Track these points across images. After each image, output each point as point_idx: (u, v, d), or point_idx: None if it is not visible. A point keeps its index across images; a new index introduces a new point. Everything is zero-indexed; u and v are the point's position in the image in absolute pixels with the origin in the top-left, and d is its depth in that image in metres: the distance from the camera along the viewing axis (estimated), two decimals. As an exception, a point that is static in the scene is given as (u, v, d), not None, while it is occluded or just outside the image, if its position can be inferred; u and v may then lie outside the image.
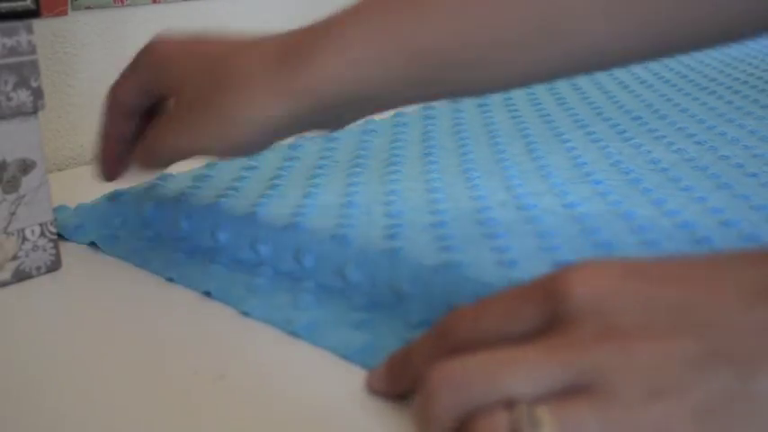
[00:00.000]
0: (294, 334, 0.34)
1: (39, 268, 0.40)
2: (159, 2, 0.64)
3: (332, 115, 0.38)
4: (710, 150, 0.56)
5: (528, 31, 0.35)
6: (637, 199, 0.46)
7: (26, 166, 0.39)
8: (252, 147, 0.39)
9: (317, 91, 0.36)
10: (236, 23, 0.71)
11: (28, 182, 0.39)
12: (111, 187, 0.50)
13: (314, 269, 0.39)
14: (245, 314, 0.36)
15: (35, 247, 0.40)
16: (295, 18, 0.74)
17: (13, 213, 0.39)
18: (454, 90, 0.38)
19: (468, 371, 0.25)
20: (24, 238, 0.40)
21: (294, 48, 0.36)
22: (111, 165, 0.44)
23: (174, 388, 0.31)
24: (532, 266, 0.37)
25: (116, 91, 0.42)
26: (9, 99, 0.37)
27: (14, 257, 0.39)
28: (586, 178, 0.50)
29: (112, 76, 0.63)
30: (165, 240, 0.44)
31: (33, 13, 0.38)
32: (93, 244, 0.44)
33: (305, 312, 0.36)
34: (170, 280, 0.40)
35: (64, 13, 0.59)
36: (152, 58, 0.41)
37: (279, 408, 0.30)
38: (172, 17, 0.66)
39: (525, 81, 0.38)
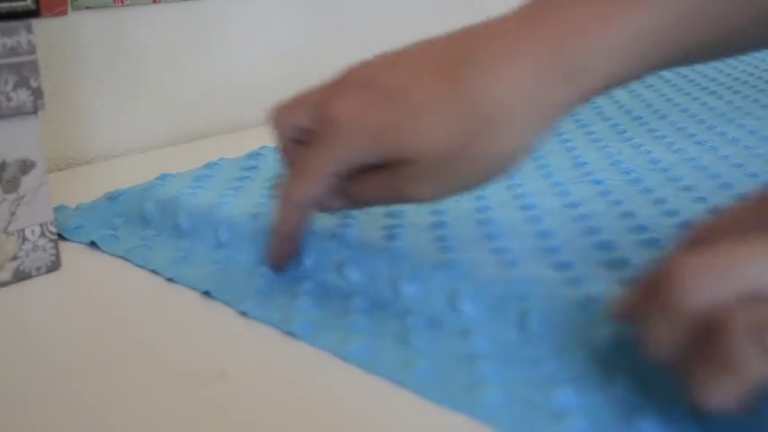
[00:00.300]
0: (292, 334, 0.34)
1: (39, 268, 0.40)
2: (159, 2, 0.64)
3: None
4: (710, 150, 0.56)
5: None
6: (637, 199, 0.46)
7: (26, 166, 0.39)
8: (515, 167, 0.34)
9: (579, 100, 0.33)
10: (236, 23, 0.71)
11: (28, 182, 0.39)
12: (110, 187, 0.50)
13: (313, 269, 0.39)
14: (244, 314, 0.36)
15: (35, 247, 0.40)
16: (295, 17, 0.74)
17: (13, 213, 0.39)
18: (692, 63, 0.37)
19: (725, 257, 0.23)
20: (24, 238, 0.40)
21: (552, 64, 0.32)
22: (286, 258, 0.39)
23: (174, 387, 0.31)
24: (533, 266, 0.37)
25: (304, 191, 0.36)
26: (9, 99, 0.37)
27: (14, 257, 0.39)
28: (587, 178, 0.50)
29: (112, 76, 0.63)
30: (165, 240, 0.44)
31: (33, 13, 0.38)
32: (93, 244, 0.44)
33: (303, 313, 0.36)
34: (170, 280, 0.40)
35: (64, 13, 0.59)
36: (353, 132, 0.34)
37: (278, 407, 0.30)
38: (172, 17, 0.66)
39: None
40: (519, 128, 0.32)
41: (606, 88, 0.33)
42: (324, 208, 0.37)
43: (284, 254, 0.39)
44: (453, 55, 0.33)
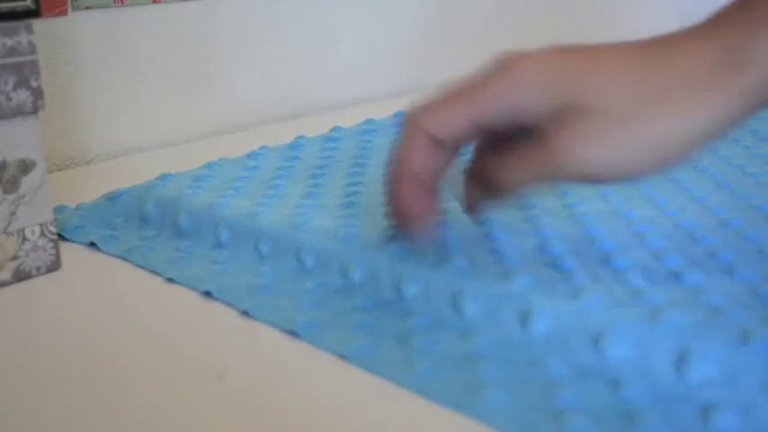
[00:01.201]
0: (294, 334, 0.34)
1: (39, 268, 0.40)
2: (159, 2, 0.64)
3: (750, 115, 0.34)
4: (710, 150, 0.56)
5: None
6: (637, 199, 0.46)
7: (26, 166, 0.39)
8: (677, 161, 0.34)
9: (763, 88, 0.33)
10: (237, 24, 0.71)
11: (28, 182, 0.39)
12: (110, 187, 0.50)
13: (315, 269, 0.39)
14: (246, 314, 0.36)
15: (35, 247, 0.40)
16: (294, 18, 0.74)
17: (13, 213, 0.39)
18: None
19: None
20: (24, 238, 0.40)
21: (717, 56, 0.33)
22: (408, 198, 0.36)
23: (175, 388, 0.31)
24: (533, 267, 0.37)
25: (438, 118, 0.34)
26: (9, 99, 0.37)
27: (14, 257, 0.39)
28: (586, 178, 0.50)
29: (112, 76, 0.63)
30: (166, 240, 0.44)
31: (33, 13, 0.38)
32: (93, 244, 0.44)
33: (305, 312, 0.36)
34: (170, 280, 0.40)
35: (64, 13, 0.59)
36: (529, 72, 0.33)
37: (279, 408, 0.30)
38: (172, 17, 0.66)
39: None
40: (697, 104, 0.32)
41: None
42: (470, 205, 0.37)
43: (402, 197, 0.36)
44: (637, 43, 0.34)
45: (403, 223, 0.37)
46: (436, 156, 0.35)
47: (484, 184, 0.36)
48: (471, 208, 0.38)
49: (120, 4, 0.62)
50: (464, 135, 0.34)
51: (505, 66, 0.33)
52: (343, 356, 0.32)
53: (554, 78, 0.33)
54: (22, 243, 0.40)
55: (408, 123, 0.35)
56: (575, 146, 0.33)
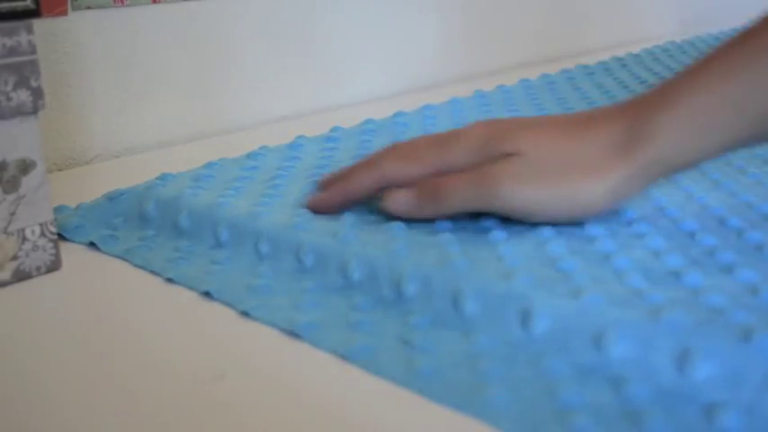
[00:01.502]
0: (294, 334, 0.34)
1: (39, 268, 0.40)
2: (159, 2, 0.64)
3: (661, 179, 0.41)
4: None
5: None
6: (636, 199, 0.46)
7: (26, 166, 0.39)
8: (592, 213, 0.41)
9: (663, 163, 0.40)
10: (236, 24, 0.71)
11: (28, 182, 0.39)
12: (110, 187, 0.50)
13: (315, 268, 0.39)
14: (245, 314, 0.36)
15: (35, 247, 0.40)
16: (293, 18, 0.74)
17: (13, 213, 0.39)
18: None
19: None
20: (24, 238, 0.40)
21: (625, 129, 0.40)
22: (333, 207, 0.44)
23: (174, 388, 0.31)
24: (532, 266, 0.37)
25: (399, 170, 0.43)
26: (9, 99, 0.37)
27: (14, 257, 0.39)
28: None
29: (112, 76, 0.63)
30: (165, 240, 0.44)
31: (33, 13, 0.38)
32: (93, 244, 0.44)
33: (305, 312, 0.36)
34: (169, 280, 0.40)
35: (64, 13, 0.59)
36: (475, 133, 0.42)
37: (278, 408, 0.30)
38: (172, 17, 0.66)
39: None
40: (599, 176, 0.39)
41: (692, 162, 0.40)
42: (413, 213, 0.42)
43: (330, 205, 0.44)
44: (566, 117, 0.43)
45: (316, 208, 0.45)
46: (377, 188, 0.44)
47: (430, 197, 0.42)
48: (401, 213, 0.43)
49: (120, 4, 0.62)
50: (415, 180, 0.43)
51: (460, 130, 0.43)
52: (343, 356, 0.32)
53: (493, 136, 0.42)
54: (22, 243, 0.40)
55: (375, 161, 0.44)
56: (509, 179, 0.40)
